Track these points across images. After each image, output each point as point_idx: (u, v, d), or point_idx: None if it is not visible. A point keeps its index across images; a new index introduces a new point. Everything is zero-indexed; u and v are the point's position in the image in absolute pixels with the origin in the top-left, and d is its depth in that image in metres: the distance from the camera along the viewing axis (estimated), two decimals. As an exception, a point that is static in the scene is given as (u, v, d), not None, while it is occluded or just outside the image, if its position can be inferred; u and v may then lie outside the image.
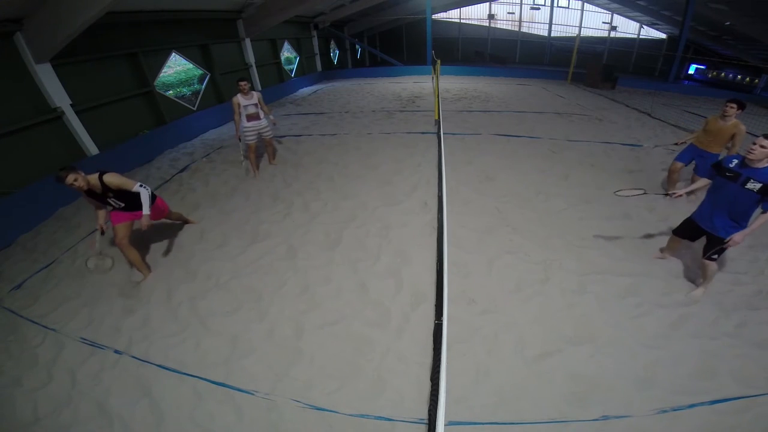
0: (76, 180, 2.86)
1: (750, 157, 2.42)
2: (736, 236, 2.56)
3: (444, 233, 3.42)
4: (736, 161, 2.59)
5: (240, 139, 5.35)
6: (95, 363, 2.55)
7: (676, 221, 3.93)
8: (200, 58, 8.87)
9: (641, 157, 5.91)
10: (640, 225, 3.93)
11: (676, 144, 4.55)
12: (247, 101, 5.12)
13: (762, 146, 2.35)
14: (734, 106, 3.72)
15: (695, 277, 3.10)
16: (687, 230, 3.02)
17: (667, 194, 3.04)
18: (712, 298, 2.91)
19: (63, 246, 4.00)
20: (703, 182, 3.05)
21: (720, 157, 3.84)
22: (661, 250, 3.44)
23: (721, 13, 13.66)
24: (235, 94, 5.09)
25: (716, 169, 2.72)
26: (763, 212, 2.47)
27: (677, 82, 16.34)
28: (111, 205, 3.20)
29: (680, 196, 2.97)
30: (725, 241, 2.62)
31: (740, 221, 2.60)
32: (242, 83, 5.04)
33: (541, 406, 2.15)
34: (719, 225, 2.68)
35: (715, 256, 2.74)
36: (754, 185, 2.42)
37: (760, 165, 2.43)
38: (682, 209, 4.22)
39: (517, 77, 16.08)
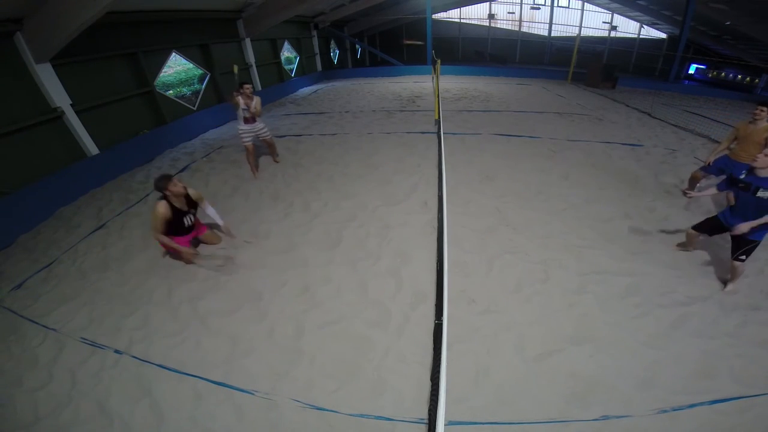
0: (176, 185, 3.09)
1: (755, 165, 2.61)
2: (741, 226, 2.69)
3: (444, 233, 3.41)
4: (744, 172, 2.76)
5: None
6: (95, 363, 2.55)
7: (676, 221, 3.97)
8: (200, 57, 8.87)
9: (641, 156, 5.91)
10: (640, 225, 3.93)
11: (708, 164, 4.07)
12: (247, 105, 5.10)
13: (766, 155, 2.55)
14: (765, 108, 3.55)
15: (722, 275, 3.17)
16: (707, 227, 3.17)
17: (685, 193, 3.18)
18: (713, 297, 2.91)
19: (63, 246, 4.00)
20: (711, 191, 3.15)
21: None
22: (681, 245, 3.52)
23: (721, 13, 13.65)
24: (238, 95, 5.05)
25: (730, 182, 2.89)
26: None
27: (677, 82, 16.34)
28: (185, 222, 3.41)
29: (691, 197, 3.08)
30: (731, 228, 2.77)
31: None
32: (247, 86, 5.03)
33: (541, 406, 2.15)
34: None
35: (743, 257, 2.85)
36: (764, 193, 2.61)
37: (765, 174, 2.60)
38: (681, 209, 4.23)
39: (518, 77, 16.06)
